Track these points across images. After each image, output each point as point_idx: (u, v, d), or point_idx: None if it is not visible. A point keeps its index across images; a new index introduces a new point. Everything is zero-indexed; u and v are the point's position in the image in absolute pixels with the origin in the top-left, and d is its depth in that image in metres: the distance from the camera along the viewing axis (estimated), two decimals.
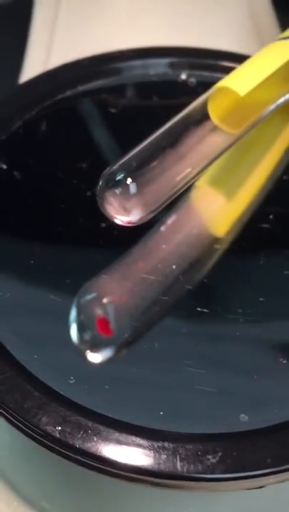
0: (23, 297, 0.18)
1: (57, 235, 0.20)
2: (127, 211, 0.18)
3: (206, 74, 0.25)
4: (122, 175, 0.18)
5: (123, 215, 0.18)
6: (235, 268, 0.19)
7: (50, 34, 0.32)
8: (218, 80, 0.25)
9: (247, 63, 0.21)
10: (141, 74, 0.25)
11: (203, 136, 0.20)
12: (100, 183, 0.18)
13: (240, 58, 0.25)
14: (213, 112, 0.20)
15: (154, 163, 0.19)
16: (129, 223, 0.18)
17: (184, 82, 0.25)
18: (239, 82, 0.20)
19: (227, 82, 0.20)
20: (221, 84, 0.20)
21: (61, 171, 0.22)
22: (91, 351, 0.17)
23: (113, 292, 0.18)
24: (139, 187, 0.18)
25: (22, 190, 0.21)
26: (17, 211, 0.21)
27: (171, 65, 0.25)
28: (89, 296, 0.18)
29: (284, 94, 0.22)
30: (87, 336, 0.17)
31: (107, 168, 0.18)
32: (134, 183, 0.18)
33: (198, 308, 0.18)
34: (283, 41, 0.22)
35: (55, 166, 0.22)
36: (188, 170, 0.19)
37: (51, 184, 0.21)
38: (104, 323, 0.17)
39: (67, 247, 0.20)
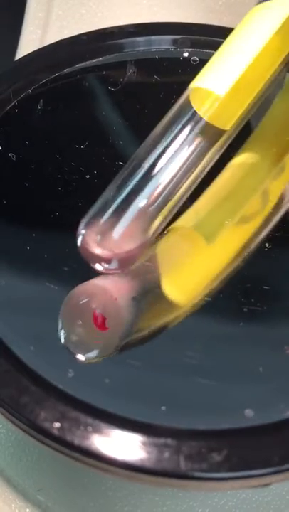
0: (19, 288, 0.18)
1: (54, 219, 0.19)
2: (113, 258, 0.17)
3: (209, 51, 0.24)
4: (104, 218, 0.17)
5: (109, 264, 0.17)
6: (239, 257, 0.19)
7: (47, 9, 0.31)
8: None
9: (222, 49, 0.19)
10: (142, 51, 0.24)
11: (193, 141, 0.18)
12: (80, 230, 0.17)
13: None
14: (199, 110, 0.18)
15: (139, 196, 0.17)
16: (116, 271, 0.17)
17: (187, 59, 0.24)
18: (216, 79, 0.18)
19: (201, 80, 0.18)
20: (194, 84, 0.18)
21: (59, 152, 0.21)
22: (84, 348, 0.16)
23: (107, 291, 0.17)
24: (122, 232, 0.17)
25: (18, 173, 0.20)
26: (13, 195, 0.20)
27: (173, 42, 0.24)
28: (85, 293, 0.17)
29: (273, 74, 0.19)
30: (80, 334, 0.16)
31: (87, 214, 0.17)
32: (120, 228, 0.17)
33: (201, 299, 0.17)
34: (261, 5, 0.19)
35: (52, 147, 0.21)
36: (177, 192, 0.18)
37: (49, 166, 0.20)
38: (99, 319, 0.16)
39: (66, 234, 0.19)
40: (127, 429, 0.15)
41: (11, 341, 0.16)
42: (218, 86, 0.18)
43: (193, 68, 0.23)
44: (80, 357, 0.16)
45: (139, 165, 0.18)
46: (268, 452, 0.15)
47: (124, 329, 0.17)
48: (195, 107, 0.18)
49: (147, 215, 0.17)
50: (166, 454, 0.14)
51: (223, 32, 0.24)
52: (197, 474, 0.14)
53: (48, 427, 0.15)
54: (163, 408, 0.15)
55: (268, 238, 0.19)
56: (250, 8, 0.30)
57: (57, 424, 0.15)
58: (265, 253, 0.19)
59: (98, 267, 0.17)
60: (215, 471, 0.14)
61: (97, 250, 0.17)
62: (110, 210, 0.17)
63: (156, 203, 0.17)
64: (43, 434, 0.15)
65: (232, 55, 0.18)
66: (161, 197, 0.17)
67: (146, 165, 0.18)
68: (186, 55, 0.24)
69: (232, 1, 0.31)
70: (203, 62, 0.23)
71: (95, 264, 0.17)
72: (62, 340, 0.16)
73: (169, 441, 0.15)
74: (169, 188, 0.18)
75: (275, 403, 0.16)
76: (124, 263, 0.17)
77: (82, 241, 0.17)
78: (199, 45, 0.24)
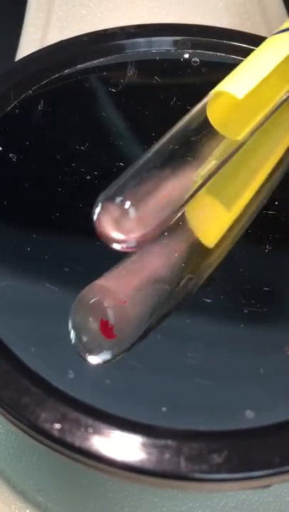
0: (19, 288, 0.18)
1: (55, 220, 0.19)
2: (126, 237, 0.17)
3: (209, 53, 0.24)
4: (120, 198, 0.17)
5: (122, 242, 0.17)
6: (238, 261, 0.19)
7: (47, 12, 0.31)
8: (221, 59, 0.24)
9: (244, 63, 0.20)
10: (142, 52, 0.24)
11: (205, 145, 0.18)
12: (96, 207, 0.17)
13: (244, 37, 0.24)
14: (212, 118, 0.19)
15: (154, 182, 0.17)
16: (128, 249, 0.17)
17: (187, 60, 0.24)
18: (236, 84, 0.19)
19: (224, 85, 0.19)
20: (217, 88, 0.19)
21: (59, 153, 0.21)
22: (92, 354, 0.16)
23: (116, 295, 0.17)
24: (139, 210, 0.17)
25: (18, 174, 0.20)
26: (13, 196, 0.20)
27: (174, 43, 0.24)
28: (92, 298, 0.17)
29: (285, 93, 0.21)
30: (88, 339, 0.16)
31: (103, 192, 0.17)
32: (134, 207, 0.17)
33: (202, 301, 0.17)
34: (281, 34, 0.21)
35: (53, 148, 0.21)
36: (190, 185, 0.18)
37: (49, 167, 0.20)
38: (107, 326, 0.16)
39: (66, 234, 0.19)
40: (128, 431, 0.15)
41: (12, 342, 0.16)
42: (238, 90, 0.19)
43: (194, 69, 0.23)
44: (90, 360, 0.16)
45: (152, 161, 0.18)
46: (269, 453, 0.15)
47: (132, 335, 0.17)
48: (209, 116, 0.19)
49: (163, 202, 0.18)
50: (167, 455, 0.14)
51: (224, 33, 0.24)
52: (197, 475, 0.14)
53: (48, 428, 0.15)
54: (163, 409, 0.15)
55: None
56: (249, 11, 0.30)
57: (57, 426, 0.15)
58: (265, 254, 0.19)
59: (115, 246, 0.17)
60: (215, 472, 0.14)
61: (114, 233, 0.17)
62: (129, 189, 0.17)
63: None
64: (43, 435, 0.15)
65: (251, 68, 0.20)
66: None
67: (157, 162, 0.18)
68: (186, 56, 0.24)
69: (232, 2, 0.31)
70: (204, 63, 0.24)
71: (111, 244, 0.17)
72: (72, 341, 0.16)
73: (169, 442, 0.15)
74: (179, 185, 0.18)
75: (275, 404, 0.16)
76: (142, 242, 0.17)
77: (98, 221, 0.17)
78: (200, 46, 0.24)
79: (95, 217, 0.17)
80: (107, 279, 0.17)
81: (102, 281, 0.17)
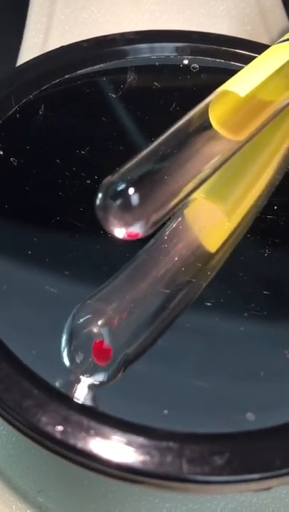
0: (21, 289, 0.18)
1: (55, 224, 0.19)
2: (128, 224, 0.17)
3: (209, 59, 0.24)
4: (123, 185, 0.17)
5: (125, 229, 0.17)
6: (237, 265, 0.19)
7: (49, 15, 0.31)
8: (220, 65, 0.24)
9: (247, 67, 0.21)
10: (142, 58, 0.24)
11: (206, 143, 0.19)
12: (99, 194, 0.17)
13: (244, 44, 0.25)
14: (214, 118, 0.19)
15: (156, 173, 0.17)
16: (130, 237, 0.17)
17: (187, 66, 0.24)
18: (239, 84, 0.20)
19: (227, 85, 0.20)
20: (221, 88, 0.20)
21: (60, 157, 0.21)
22: (86, 376, 0.16)
23: (110, 316, 0.17)
24: (142, 198, 0.17)
25: (19, 177, 0.20)
26: (14, 199, 0.20)
27: (174, 49, 0.24)
28: (84, 321, 0.17)
29: (287, 98, 0.21)
30: (83, 362, 0.16)
31: (107, 178, 0.17)
32: (137, 194, 0.17)
33: (203, 304, 0.18)
34: (285, 43, 0.21)
35: (53, 152, 0.21)
36: (191, 179, 0.18)
37: (50, 171, 0.21)
38: (102, 352, 0.16)
39: (67, 236, 0.19)
40: (130, 433, 0.15)
41: (13, 343, 0.16)
42: (241, 89, 0.19)
43: (193, 75, 0.24)
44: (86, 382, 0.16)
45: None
46: (270, 456, 0.15)
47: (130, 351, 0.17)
48: (210, 116, 0.19)
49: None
50: (169, 458, 0.15)
51: (223, 40, 0.25)
52: (199, 478, 0.14)
53: (50, 430, 0.15)
54: (165, 412, 0.16)
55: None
56: (249, 15, 0.30)
57: (59, 428, 0.15)
58: (264, 258, 0.19)
59: (118, 234, 0.17)
60: (217, 474, 0.14)
61: (117, 219, 0.17)
62: (133, 177, 0.17)
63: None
64: (45, 437, 0.15)
65: (253, 71, 0.20)
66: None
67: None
68: (186, 62, 0.24)
69: (232, 6, 0.31)
70: (203, 69, 0.24)
71: (113, 230, 0.17)
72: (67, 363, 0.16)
73: (171, 444, 0.15)
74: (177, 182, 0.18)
75: (276, 407, 0.16)
76: (145, 231, 0.17)
77: (102, 207, 0.17)
78: (199, 52, 0.24)
79: (97, 202, 0.17)
80: (101, 299, 0.17)
81: (96, 299, 0.17)
